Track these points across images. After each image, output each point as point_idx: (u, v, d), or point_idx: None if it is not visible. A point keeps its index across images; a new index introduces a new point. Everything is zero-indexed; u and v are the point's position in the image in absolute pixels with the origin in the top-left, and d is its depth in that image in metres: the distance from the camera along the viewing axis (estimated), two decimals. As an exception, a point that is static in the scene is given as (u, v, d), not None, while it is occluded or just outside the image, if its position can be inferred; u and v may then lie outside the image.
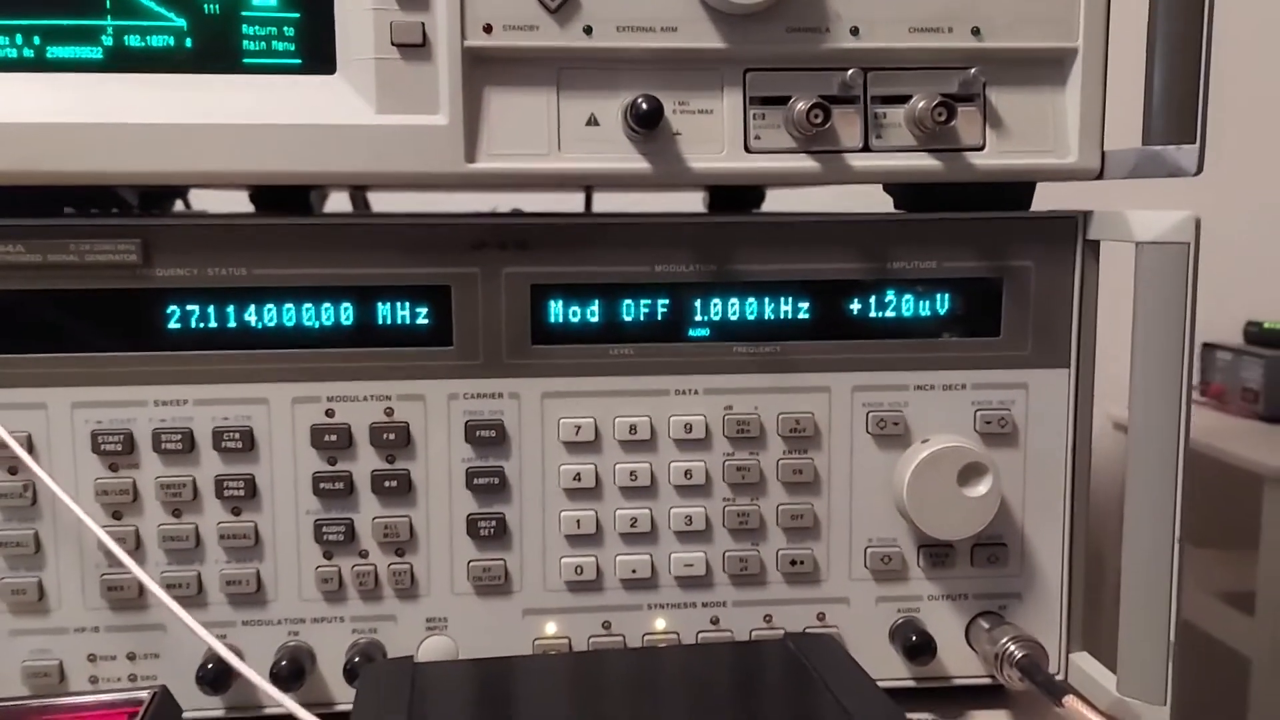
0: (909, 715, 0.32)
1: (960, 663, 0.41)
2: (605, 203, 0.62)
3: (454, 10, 0.35)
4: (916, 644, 0.40)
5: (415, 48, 0.35)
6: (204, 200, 0.58)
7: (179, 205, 0.58)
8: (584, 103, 0.36)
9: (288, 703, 0.28)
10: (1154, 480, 0.36)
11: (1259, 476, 0.93)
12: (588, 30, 0.36)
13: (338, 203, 0.66)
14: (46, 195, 0.38)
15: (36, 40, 0.36)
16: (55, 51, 0.36)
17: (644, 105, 0.35)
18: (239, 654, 0.38)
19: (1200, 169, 0.36)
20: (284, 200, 0.46)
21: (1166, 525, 0.36)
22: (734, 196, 0.54)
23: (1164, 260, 0.36)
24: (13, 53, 0.36)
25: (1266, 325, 1.11)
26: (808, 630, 0.40)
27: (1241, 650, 0.97)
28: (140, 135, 0.35)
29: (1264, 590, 0.94)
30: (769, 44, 0.36)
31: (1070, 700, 0.35)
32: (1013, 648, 0.38)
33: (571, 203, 0.63)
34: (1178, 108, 0.36)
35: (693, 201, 0.61)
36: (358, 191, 0.68)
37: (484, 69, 0.36)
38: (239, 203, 0.49)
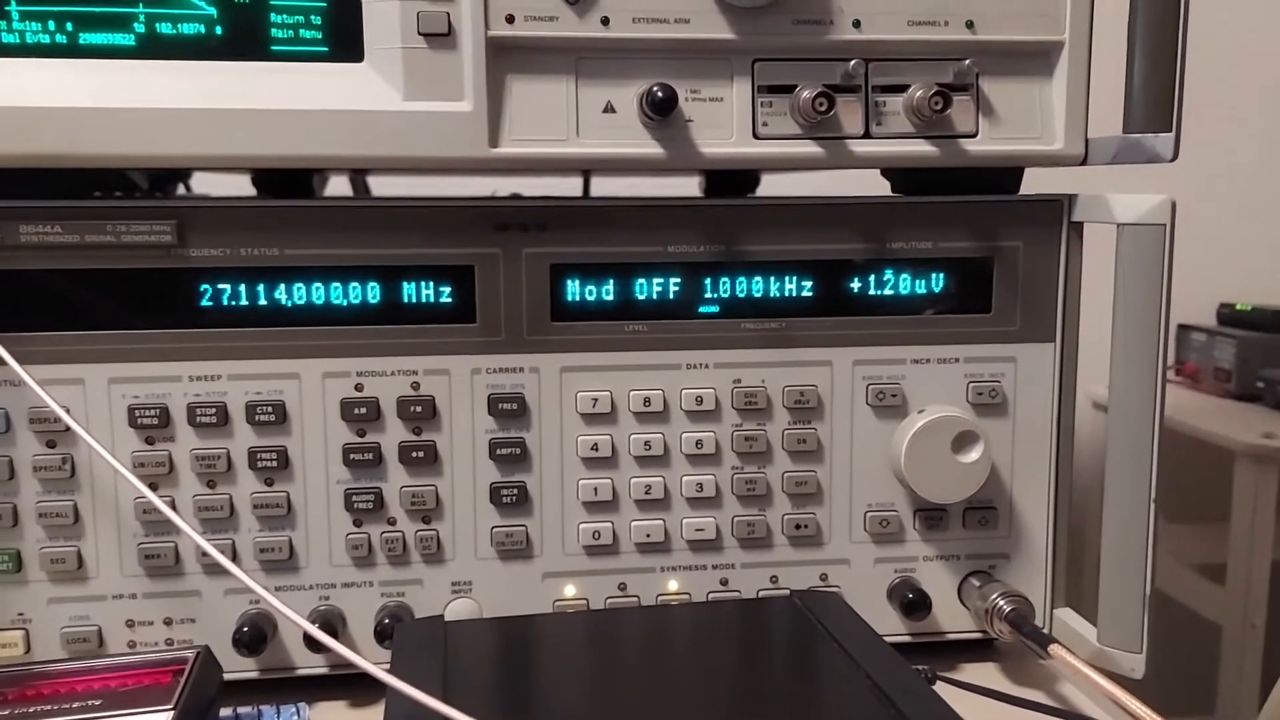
0: (907, 665, 0.35)
1: (953, 619, 0.44)
2: (603, 189, 0.64)
3: (478, 1, 0.37)
4: (912, 601, 0.42)
5: (441, 37, 0.37)
6: (206, 185, 0.59)
7: (180, 189, 0.59)
8: (601, 90, 0.38)
9: (359, 659, 0.30)
10: (1132, 440, 0.39)
11: (1230, 452, 0.97)
12: (605, 21, 0.37)
13: (336, 188, 0.67)
14: (73, 178, 0.39)
15: (69, 26, 0.37)
16: (88, 38, 0.37)
17: (659, 93, 0.37)
18: (272, 619, 0.40)
19: (1176, 155, 0.39)
20: (286, 186, 0.47)
21: (1143, 485, 0.39)
22: (730, 182, 0.56)
23: (1142, 241, 0.39)
24: (45, 39, 0.37)
25: (1238, 307, 1.16)
26: (812, 589, 0.43)
27: (1213, 618, 1.02)
28: (171, 120, 0.36)
29: (1234, 561, 0.98)
30: (776, 35, 0.38)
31: (1055, 649, 0.38)
32: (1002, 603, 0.41)
33: (568, 190, 0.64)
34: (1156, 98, 0.39)
35: (688, 188, 0.63)
36: (358, 176, 0.70)
37: (506, 58, 0.37)
38: (240, 186, 0.50)
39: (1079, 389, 0.44)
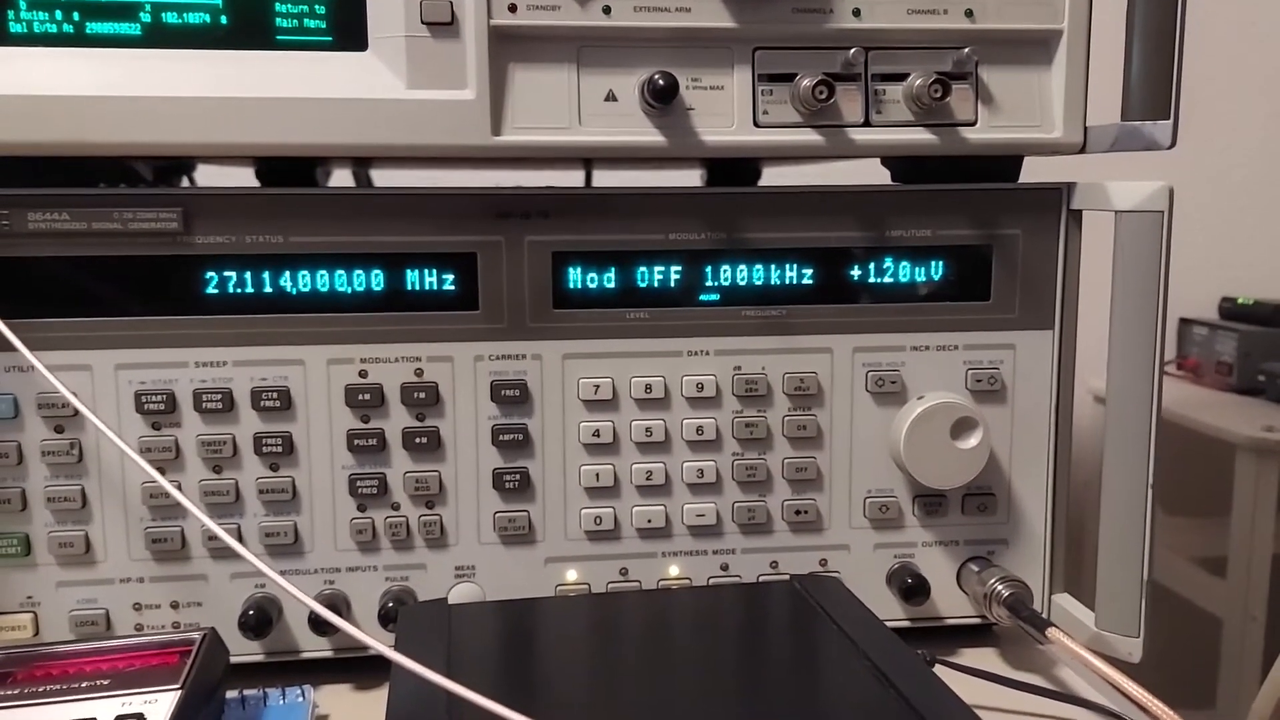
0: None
1: (952, 604, 0.44)
2: (605, 181, 0.64)
3: (481, -10, 0.37)
4: (912, 586, 0.43)
5: (444, 26, 0.37)
6: (209, 179, 0.59)
7: (184, 183, 0.59)
8: (603, 79, 0.38)
9: (367, 638, 0.30)
10: (1131, 420, 0.39)
11: (1231, 445, 0.97)
12: (606, 10, 0.38)
13: (338, 180, 0.67)
14: (79, 169, 0.40)
15: (76, 16, 0.37)
16: (94, 27, 0.38)
17: (660, 81, 0.37)
18: (277, 603, 0.41)
19: (1174, 143, 0.39)
20: (289, 180, 0.47)
21: (1141, 467, 0.39)
22: (732, 174, 0.56)
23: (1141, 228, 0.39)
24: (52, 28, 0.37)
25: (1239, 301, 1.16)
26: (812, 573, 0.43)
27: (1213, 611, 1.02)
28: (177, 109, 0.37)
29: (1234, 554, 0.99)
30: (777, 24, 0.39)
31: (1053, 632, 0.38)
32: (1000, 587, 0.41)
33: (572, 183, 0.65)
34: (1154, 85, 0.39)
35: (689, 180, 0.63)
36: (361, 170, 0.70)
37: (509, 46, 0.38)
38: (243, 181, 0.50)
39: (1077, 383, 0.44)
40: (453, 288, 0.40)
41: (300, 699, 0.37)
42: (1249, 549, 0.97)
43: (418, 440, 0.41)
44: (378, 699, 0.38)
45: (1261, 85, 1.23)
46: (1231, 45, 1.17)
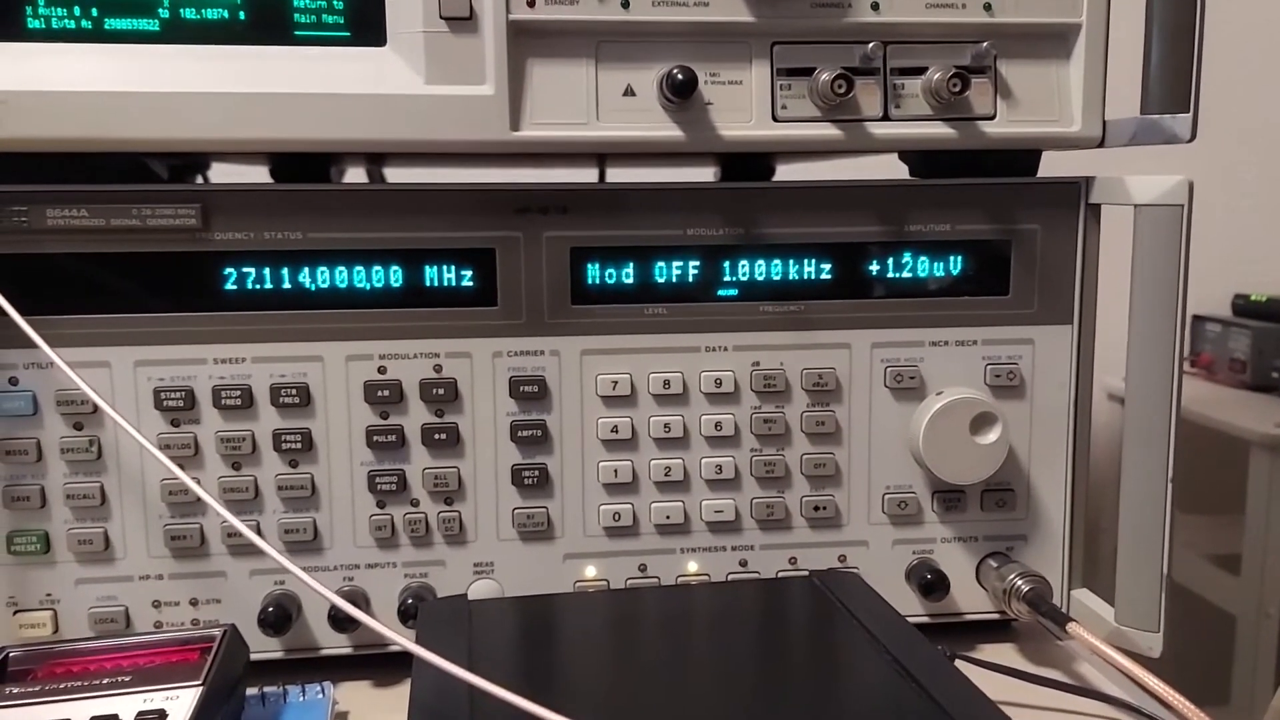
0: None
1: (971, 600, 0.44)
2: (620, 178, 0.64)
3: (500, -15, 0.37)
4: (931, 582, 0.43)
5: (463, 21, 0.37)
6: (223, 176, 0.59)
7: (199, 181, 0.60)
8: (621, 74, 0.38)
9: (392, 634, 0.30)
10: (1151, 414, 0.39)
11: (1245, 442, 0.97)
12: (625, 4, 0.38)
13: (352, 179, 0.67)
14: (97, 166, 0.40)
15: (94, 12, 0.37)
16: (112, 23, 0.38)
17: (679, 76, 0.37)
18: (296, 600, 0.41)
19: (1194, 136, 0.39)
20: (305, 175, 0.46)
21: (1161, 461, 0.39)
22: (745, 171, 0.56)
23: (1160, 221, 0.39)
24: (71, 24, 0.37)
25: (1253, 298, 1.15)
26: (832, 569, 0.43)
27: (1228, 609, 1.02)
28: (195, 105, 0.36)
29: (1249, 551, 0.98)
30: (795, 18, 0.38)
31: (1073, 627, 0.38)
32: (1020, 583, 0.41)
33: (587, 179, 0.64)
34: (1173, 78, 0.39)
35: (703, 177, 0.63)
36: (375, 168, 0.70)
37: (527, 41, 0.38)
38: (258, 178, 0.50)
39: (1094, 381, 0.44)
40: (471, 284, 0.40)
41: (320, 695, 0.37)
42: (1263, 546, 0.96)
43: (437, 436, 0.41)
44: (397, 695, 0.39)
45: (1274, 81, 1.22)
46: (1243, 41, 1.17)
